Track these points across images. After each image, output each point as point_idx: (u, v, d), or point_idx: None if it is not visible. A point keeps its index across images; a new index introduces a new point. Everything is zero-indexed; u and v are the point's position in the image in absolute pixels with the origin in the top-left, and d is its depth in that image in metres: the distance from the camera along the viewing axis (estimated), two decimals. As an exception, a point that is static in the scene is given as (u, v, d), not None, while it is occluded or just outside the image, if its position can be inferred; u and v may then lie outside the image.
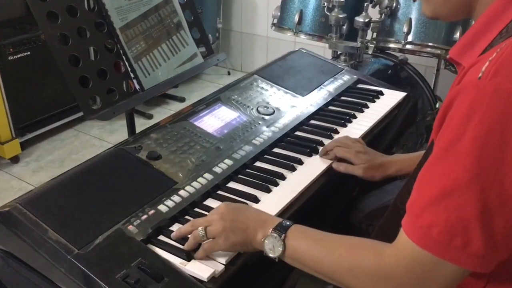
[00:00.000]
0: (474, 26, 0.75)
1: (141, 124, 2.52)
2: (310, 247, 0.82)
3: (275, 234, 0.84)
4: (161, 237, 0.94)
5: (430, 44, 1.84)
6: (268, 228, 0.86)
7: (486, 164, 0.62)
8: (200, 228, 0.89)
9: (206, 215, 0.99)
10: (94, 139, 2.88)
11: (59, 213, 0.93)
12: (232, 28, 3.76)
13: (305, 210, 1.10)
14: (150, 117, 3.07)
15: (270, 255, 0.85)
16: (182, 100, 3.34)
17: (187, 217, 1.00)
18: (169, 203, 1.00)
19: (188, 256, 0.89)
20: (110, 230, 0.91)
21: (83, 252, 0.86)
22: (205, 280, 0.85)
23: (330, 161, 1.19)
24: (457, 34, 1.78)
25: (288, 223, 0.87)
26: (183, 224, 0.97)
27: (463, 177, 0.63)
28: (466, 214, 0.63)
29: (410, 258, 0.69)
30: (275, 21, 2.16)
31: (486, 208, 0.63)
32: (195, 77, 3.74)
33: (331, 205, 1.26)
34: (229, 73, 3.76)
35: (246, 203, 1.03)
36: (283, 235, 0.84)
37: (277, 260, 0.85)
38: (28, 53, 2.64)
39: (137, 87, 1.26)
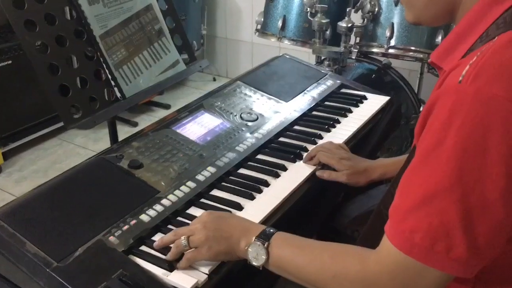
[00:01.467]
0: (455, 30, 0.75)
1: (126, 132, 2.51)
2: (294, 254, 0.81)
3: (258, 242, 0.84)
4: (143, 248, 0.92)
5: (412, 48, 1.85)
6: (251, 236, 0.85)
7: (467, 169, 0.62)
8: (182, 238, 0.88)
9: (189, 224, 0.98)
10: (78, 147, 2.84)
11: (37, 225, 0.91)
12: (216, 34, 3.75)
13: (290, 217, 1.09)
14: (135, 124, 3.05)
15: (254, 263, 0.84)
16: (167, 107, 3.32)
17: (169, 226, 0.98)
18: (151, 212, 0.98)
19: (170, 266, 0.87)
20: (91, 241, 0.89)
21: (62, 264, 0.84)
22: (188, 291, 0.83)
23: (315, 167, 1.18)
24: (439, 38, 1.79)
25: (271, 230, 0.86)
26: (165, 234, 0.95)
27: (444, 182, 0.63)
28: (448, 219, 0.63)
29: (394, 264, 0.69)
30: (259, 26, 2.16)
31: (467, 213, 0.62)
32: (181, 84, 3.72)
33: (316, 211, 1.26)
34: (214, 79, 3.76)
35: (230, 211, 1.01)
36: (267, 243, 0.83)
37: (261, 268, 0.84)
38: (10, 62, 2.60)
39: (118, 95, 1.24)
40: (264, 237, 0.84)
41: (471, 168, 0.61)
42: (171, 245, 0.89)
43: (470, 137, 0.61)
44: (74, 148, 2.84)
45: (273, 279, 0.90)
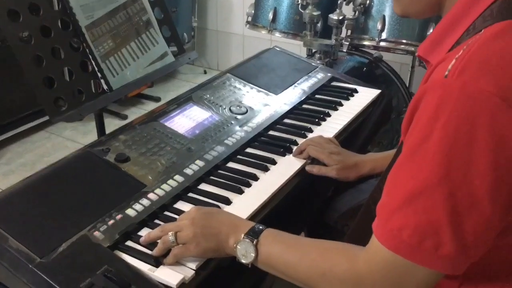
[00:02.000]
0: (442, 23, 0.74)
1: (115, 125, 2.45)
2: (283, 252, 0.80)
3: (247, 240, 0.82)
4: (129, 243, 0.91)
5: (404, 41, 1.84)
6: (240, 233, 0.83)
7: (454, 164, 0.61)
8: (170, 234, 0.86)
9: (176, 219, 0.96)
10: (67, 141, 2.81)
11: (20, 220, 0.89)
12: (207, 26, 3.72)
13: (279, 211, 1.07)
14: (125, 117, 3.02)
15: (243, 261, 0.83)
16: (157, 100, 3.29)
17: (156, 221, 0.96)
18: (138, 207, 0.96)
19: (156, 262, 0.86)
20: (75, 236, 0.87)
21: (45, 260, 0.82)
22: (174, 287, 0.82)
23: (304, 161, 1.17)
24: (431, 31, 1.78)
25: (260, 227, 0.85)
26: (152, 229, 0.94)
27: (431, 179, 0.62)
28: (436, 216, 0.62)
29: (383, 263, 0.68)
30: (250, 19, 2.14)
31: (455, 209, 0.61)
32: (171, 77, 3.69)
33: (306, 206, 1.24)
34: (205, 72, 3.73)
35: (218, 206, 1.00)
36: (256, 240, 0.82)
37: (249, 266, 0.83)
38: (-4, 53, 2.56)
39: (105, 87, 1.22)
40: (253, 234, 0.83)
41: (458, 163, 0.60)
42: (158, 241, 0.88)
43: (457, 132, 0.60)
44: (63, 141, 2.81)
45: (262, 275, 0.89)
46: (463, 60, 0.61)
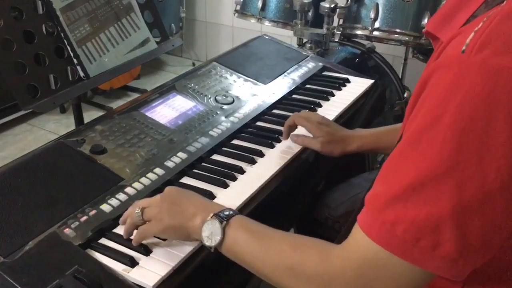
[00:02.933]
0: None
1: (98, 117, 2.39)
2: (251, 239, 0.73)
3: (215, 221, 0.75)
4: (103, 241, 0.84)
5: (397, 30, 1.77)
6: (209, 213, 0.76)
7: (467, 153, 0.53)
8: (137, 209, 0.81)
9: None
10: (50, 134, 2.72)
11: (-17, 216, 0.81)
12: (196, 17, 3.63)
13: (267, 206, 1.01)
14: (109, 110, 2.93)
15: (206, 243, 0.75)
16: (144, 92, 3.19)
17: (133, 217, 0.89)
18: (114, 202, 0.89)
19: (132, 261, 0.79)
20: (43, 234, 0.81)
21: (9, 260, 0.75)
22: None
23: (294, 153, 1.10)
24: (425, 20, 1.71)
25: (231, 212, 0.77)
26: (128, 226, 0.87)
27: (438, 168, 0.54)
28: (439, 211, 0.54)
29: (361, 260, 0.60)
30: (238, 7, 2.06)
31: (462, 205, 0.54)
32: (158, 69, 3.61)
33: (295, 201, 1.18)
34: (194, 64, 3.64)
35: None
36: (225, 222, 0.74)
37: (212, 250, 0.75)
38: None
39: (82, 74, 1.14)
40: (223, 216, 0.75)
41: (471, 151, 0.53)
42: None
43: (473, 115, 0.52)
44: (45, 134, 2.72)
45: (247, 276, 0.82)
46: (483, 34, 0.54)
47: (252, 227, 0.75)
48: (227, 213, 0.76)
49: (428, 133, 0.55)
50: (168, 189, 0.83)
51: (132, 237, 0.82)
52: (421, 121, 0.57)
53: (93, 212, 0.87)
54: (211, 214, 0.76)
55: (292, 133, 1.10)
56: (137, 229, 0.82)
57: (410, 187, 0.56)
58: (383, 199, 0.59)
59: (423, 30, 0.75)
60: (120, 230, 0.86)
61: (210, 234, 0.75)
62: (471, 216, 0.54)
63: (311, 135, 1.10)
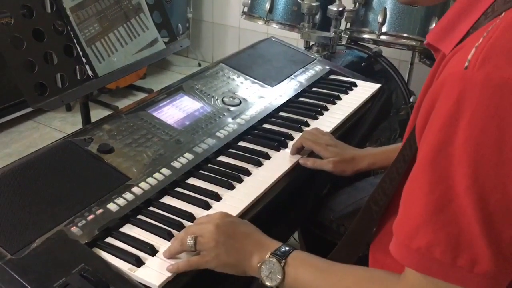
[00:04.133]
0: (455, 6, 0.66)
1: (104, 116, 2.39)
2: (314, 276, 0.72)
3: (273, 260, 0.74)
4: (109, 240, 0.84)
5: (405, 35, 1.77)
6: (266, 252, 0.76)
7: (484, 167, 0.53)
8: (189, 237, 0.78)
9: (162, 214, 0.90)
10: (55, 131, 2.73)
11: (-9, 213, 0.82)
12: (202, 18, 3.64)
13: (272, 209, 1.01)
14: (115, 109, 2.94)
15: (267, 283, 0.75)
16: (150, 92, 3.21)
17: (140, 217, 0.90)
18: (120, 201, 0.90)
19: (138, 261, 0.79)
20: (51, 232, 0.81)
21: (16, 257, 0.76)
22: (156, 288, 0.76)
23: (300, 156, 1.10)
24: (433, 25, 1.71)
25: (288, 248, 0.77)
26: (135, 225, 0.88)
27: (459, 185, 0.54)
28: (468, 227, 0.54)
29: None
30: (246, 9, 2.07)
31: (489, 217, 0.54)
32: (164, 69, 3.62)
33: (300, 204, 1.18)
34: (199, 65, 3.65)
35: (207, 201, 0.93)
36: (283, 261, 0.74)
37: None
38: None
39: (90, 73, 1.15)
40: (281, 254, 0.75)
41: (488, 166, 0.53)
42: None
43: (484, 132, 0.52)
44: (51, 132, 2.73)
45: (251, 279, 0.82)
46: (484, 49, 0.54)
47: (313, 262, 0.75)
48: (284, 250, 0.76)
49: (443, 152, 0.55)
50: (219, 217, 0.82)
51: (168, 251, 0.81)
52: (433, 142, 0.56)
53: (100, 211, 0.87)
54: (268, 254, 0.75)
55: (301, 158, 1.09)
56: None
57: (435, 208, 0.56)
58: (411, 226, 0.59)
59: (424, 42, 0.75)
60: (126, 229, 0.86)
61: (270, 273, 0.75)
62: (499, 225, 0.54)
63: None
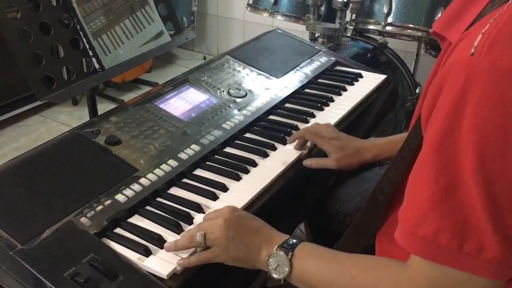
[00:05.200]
0: None
1: (110, 110, 2.41)
2: (321, 267, 0.73)
3: (281, 252, 0.75)
4: (118, 230, 0.85)
5: (410, 25, 1.77)
6: (273, 245, 0.77)
7: (489, 153, 0.53)
8: (199, 234, 0.79)
9: (169, 205, 0.91)
10: (62, 125, 2.75)
11: (1, 204, 0.83)
12: (207, 11, 3.64)
13: (278, 200, 1.02)
14: (121, 103, 2.94)
15: (275, 275, 0.76)
16: (155, 85, 3.22)
17: (147, 207, 0.91)
18: (128, 192, 0.91)
19: (146, 251, 0.80)
20: (60, 222, 0.82)
21: (27, 247, 0.77)
22: (165, 277, 0.77)
23: (308, 146, 1.10)
24: (439, 15, 1.71)
25: (295, 240, 0.78)
26: (143, 216, 0.88)
27: (465, 172, 0.54)
28: (474, 213, 0.55)
29: (430, 278, 0.60)
30: (251, 1, 2.07)
31: (495, 203, 0.54)
32: (169, 62, 3.62)
33: (306, 195, 1.18)
34: (205, 58, 3.65)
35: (214, 192, 0.94)
36: (290, 253, 0.75)
37: (282, 282, 0.76)
38: (-11, 34, 2.49)
39: (97, 66, 1.15)
40: (288, 247, 0.76)
41: (494, 153, 0.53)
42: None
43: (490, 119, 0.53)
44: (57, 126, 2.75)
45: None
46: (490, 35, 0.54)
47: (319, 253, 0.76)
48: (291, 242, 0.77)
49: (449, 140, 0.56)
50: (228, 212, 0.82)
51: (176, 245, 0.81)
52: (439, 129, 0.57)
53: (108, 202, 0.88)
54: (276, 247, 0.76)
55: (304, 160, 1.08)
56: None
57: (441, 194, 0.57)
58: (418, 213, 0.59)
59: (430, 31, 0.74)
60: (134, 219, 0.87)
61: (277, 266, 0.75)
62: (505, 211, 0.54)
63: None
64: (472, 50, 0.54)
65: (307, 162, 1.07)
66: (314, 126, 1.13)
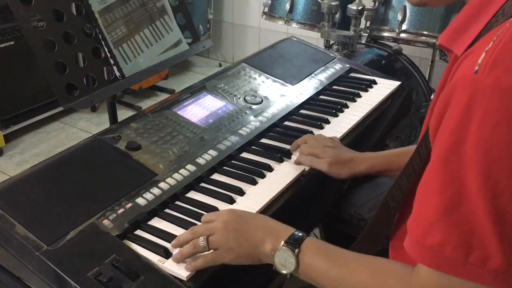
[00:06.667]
0: (466, 8, 0.67)
1: (128, 116, 2.45)
2: (328, 266, 0.74)
3: (287, 248, 0.76)
4: (138, 232, 0.88)
5: (425, 32, 1.78)
6: (279, 240, 0.78)
7: (495, 168, 0.55)
8: (201, 238, 0.81)
9: (188, 208, 0.94)
10: (81, 131, 2.80)
11: (28, 207, 0.87)
12: (223, 19, 3.68)
13: (293, 204, 1.04)
14: (138, 109, 3.00)
15: (282, 270, 0.77)
16: (172, 92, 3.27)
17: (167, 210, 0.94)
18: (148, 195, 0.94)
19: (166, 253, 0.83)
20: (83, 224, 0.85)
21: (52, 248, 0.80)
22: (185, 279, 0.79)
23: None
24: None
25: (300, 234, 0.79)
26: (162, 218, 0.91)
27: (471, 185, 0.56)
28: (479, 225, 0.56)
29: (438, 287, 0.61)
30: (266, 9, 2.10)
31: (500, 216, 0.55)
32: (186, 69, 3.67)
33: (321, 199, 1.20)
34: (220, 65, 3.70)
35: (231, 196, 0.97)
36: (297, 249, 0.76)
37: (288, 276, 0.78)
38: (12, 42, 2.55)
39: (117, 74, 1.19)
40: (294, 243, 0.77)
41: (499, 167, 0.55)
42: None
43: (494, 134, 0.54)
44: (77, 132, 2.80)
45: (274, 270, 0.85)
46: (494, 53, 0.56)
47: (326, 251, 0.77)
48: (297, 237, 0.78)
49: (455, 153, 0.57)
50: (227, 214, 0.84)
51: (181, 253, 0.82)
52: (446, 143, 0.58)
53: (129, 205, 0.91)
54: (282, 242, 0.77)
55: (297, 157, 1.10)
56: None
57: (447, 207, 0.58)
58: (424, 224, 0.61)
59: (436, 44, 0.76)
60: (154, 222, 0.90)
61: (284, 261, 0.77)
62: (510, 225, 0.56)
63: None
64: (476, 68, 0.56)
65: (301, 160, 1.09)
66: (314, 137, 1.15)
